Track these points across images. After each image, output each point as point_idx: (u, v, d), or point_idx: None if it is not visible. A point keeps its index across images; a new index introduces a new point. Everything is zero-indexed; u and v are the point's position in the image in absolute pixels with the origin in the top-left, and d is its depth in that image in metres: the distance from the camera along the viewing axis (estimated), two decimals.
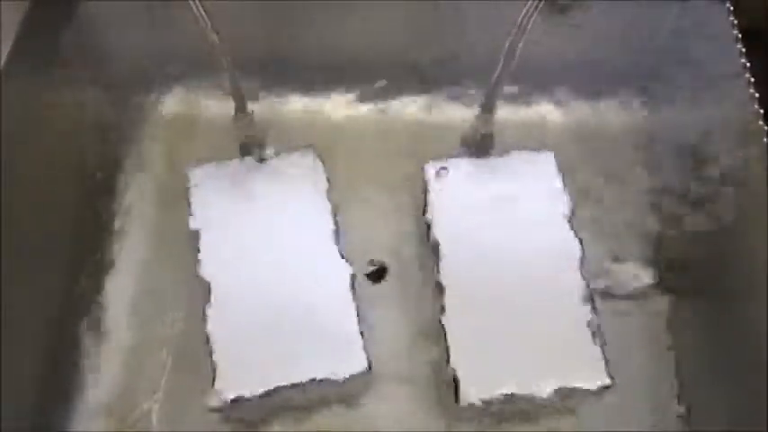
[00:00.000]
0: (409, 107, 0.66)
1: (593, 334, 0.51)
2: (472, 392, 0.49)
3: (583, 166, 0.62)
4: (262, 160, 0.58)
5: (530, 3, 0.47)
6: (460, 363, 0.50)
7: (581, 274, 0.53)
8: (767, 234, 0.45)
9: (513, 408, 0.51)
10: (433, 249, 0.55)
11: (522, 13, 0.48)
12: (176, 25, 0.58)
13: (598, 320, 0.52)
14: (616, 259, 0.59)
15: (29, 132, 0.49)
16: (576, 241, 0.54)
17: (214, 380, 0.50)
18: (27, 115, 0.49)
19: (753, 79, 0.47)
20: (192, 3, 0.48)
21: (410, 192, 0.60)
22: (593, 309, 0.52)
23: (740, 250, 0.49)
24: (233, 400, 0.49)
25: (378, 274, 0.59)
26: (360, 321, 0.52)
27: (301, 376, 0.49)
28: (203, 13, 0.49)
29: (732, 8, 0.50)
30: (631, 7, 0.58)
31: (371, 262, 0.59)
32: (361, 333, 0.51)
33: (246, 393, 0.49)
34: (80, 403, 0.54)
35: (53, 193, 0.54)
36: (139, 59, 0.63)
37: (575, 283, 0.53)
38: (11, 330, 0.47)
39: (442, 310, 0.52)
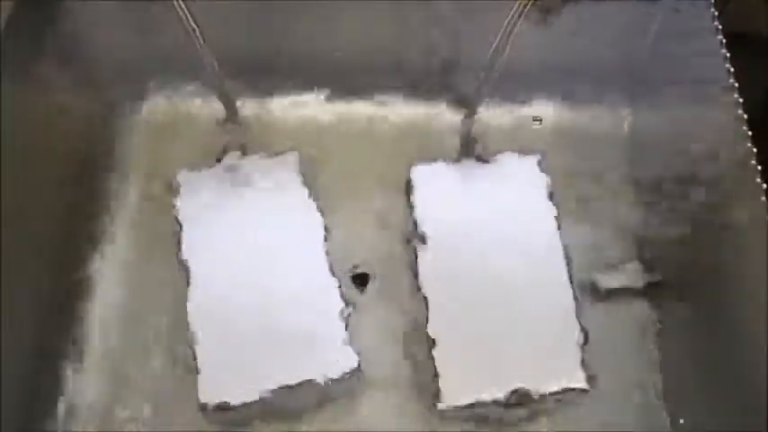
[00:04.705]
0: (396, 109, 0.66)
1: (577, 336, 0.51)
2: (453, 395, 0.50)
3: (568, 168, 0.62)
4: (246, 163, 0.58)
5: (516, 6, 0.47)
6: (442, 365, 0.50)
7: (566, 276, 0.53)
8: (753, 236, 0.45)
9: (497, 410, 0.51)
10: (418, 252, 0.55)
11: (508, 17, 0.48)
12: (161, 26, 0.58)
13: (582, 322, 0.52)
14: (601, 261, 0.59)
15: (11, 134, 0.49)
16: (562, 244, 0.55)
17: (202, 383, 0.50)
18: (9, 117, 0.49)
19: (737, 84, 0.47)
20: (176, 4, 0.48)
21: (397, 194, 0.60)
22: (578, 311, 0.52)
23: (726, 252, 0.49)
24: (221, 404, 0.49)
25: (363, 277, 0.59)
26: (346, 323, 0.52)
27: (290, 379, 0.50)
28: (188, 14, 0.49)
29: (717, 13, 0.50)
30: (616, 10, 0.58)
31: (357, 264, 0.59)
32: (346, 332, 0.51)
33: (234, 397, 0.49)
34: (67, 405, 0.54)
35: (37, 195, 0.54)
36: (124, 61, 0.63)
37: (559, 286, 0.53)
38: None
39: (426, 312, 0.52)
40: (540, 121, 0.64)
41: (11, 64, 0.49)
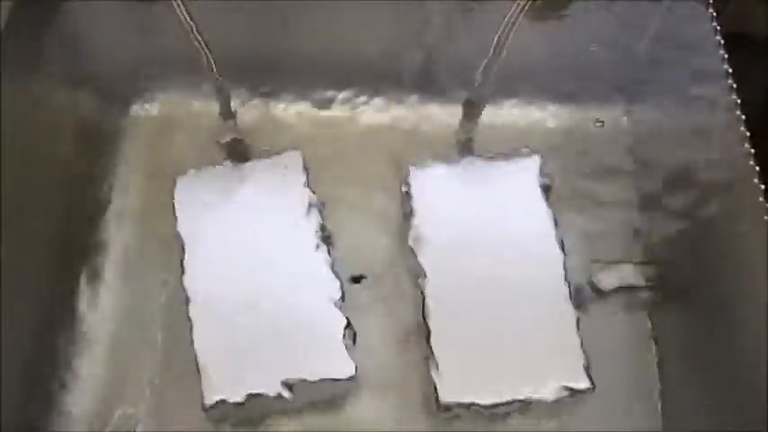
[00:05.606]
0: (396, 109, 0.66)
1: (577, 336, 0.51)
2: (452, 395, 0.50)
3: (567, 168, 0.62)
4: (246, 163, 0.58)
5: (515, 6, 0.48)
6: (442, 366, 0.50)
7: (564, 276, 0.54)
8: (752, 236, 0.45)
9: (496, 410, 0.51)
10: (417, 253, 0.55)
11: (508, 17, 0.48)
12: (161, 26, 0.58)
13: (581, 322, 0.52)
14: (601, 261, 0.59)
15: (11, 134, 0.49)
16: (560, 244, 0.55)
17: (203, 383, 0.50)
18: (9, 117, 0.49)
19: (736, 84, 0.47)
20: (175, 4, 0.48)
21: (396, 195, 0.60)
22: (577, 311, 0.52)
23: (725, 252, 0.49)
24: (220, 404, 0.49)
25: (363, 278, 0.58)
26: (345, 325, 0.52)
27: (289, 379, 0.50)
28: (187, 15, 0.49)
29: (716, 13, 0.50)
30: (615, 11, 0.58)
31: (357, 265, 0.59)
32: (345, 336, 0.51)
33: (234, 397, 0.49)
34: (67, 405, 0.54)
35: (37, 195, 0.54)
36: (124, 61, 0.63)
37: (557, 287, 0.53)
38: None
39: (425, 313, 0.52)
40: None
41: (11, 64, 0.49)
